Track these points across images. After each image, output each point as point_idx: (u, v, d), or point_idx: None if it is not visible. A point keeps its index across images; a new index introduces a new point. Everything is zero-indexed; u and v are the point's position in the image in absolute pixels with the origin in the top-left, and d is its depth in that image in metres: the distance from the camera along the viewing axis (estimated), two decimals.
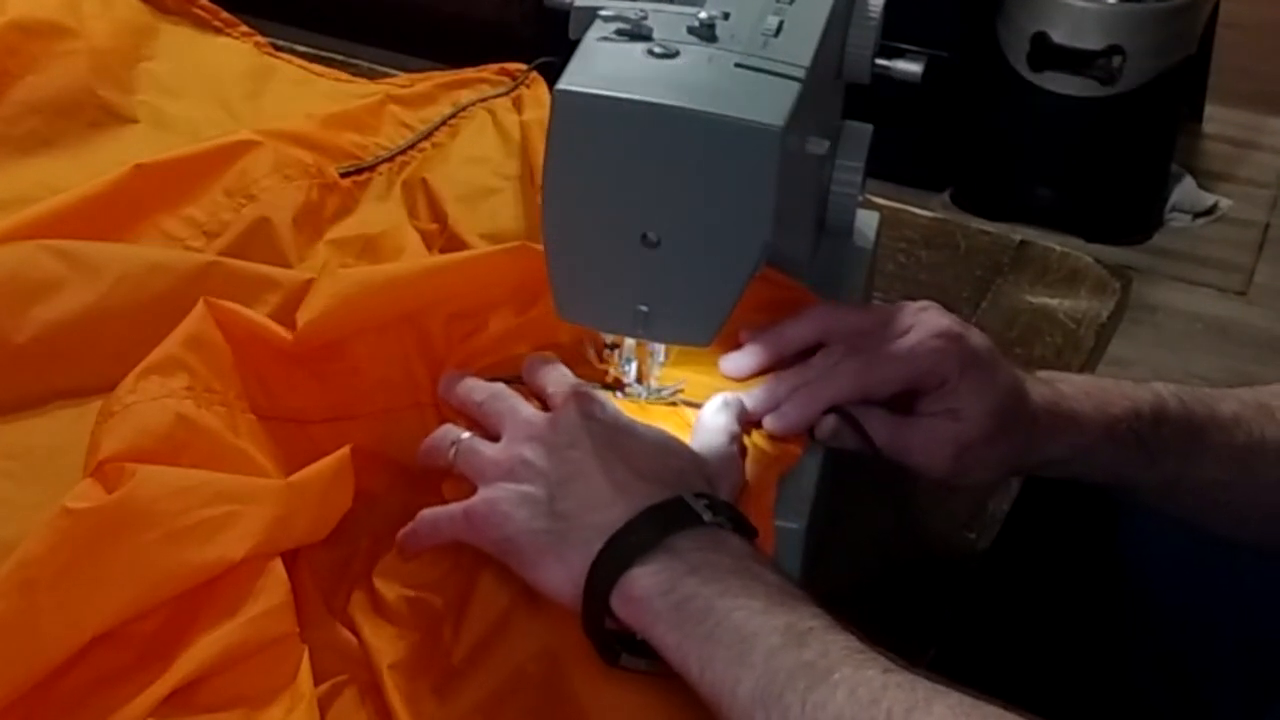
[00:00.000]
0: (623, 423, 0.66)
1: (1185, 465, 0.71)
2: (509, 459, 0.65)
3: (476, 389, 0.70)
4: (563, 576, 0.61)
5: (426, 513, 0.66)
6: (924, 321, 0.69)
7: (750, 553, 0.60)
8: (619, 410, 0.67)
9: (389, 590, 0.66)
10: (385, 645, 0.64)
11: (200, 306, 0.70)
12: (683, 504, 0.61)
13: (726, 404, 0.69)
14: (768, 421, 0.69)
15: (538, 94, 0.97)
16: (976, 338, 0.69)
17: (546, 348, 0.74)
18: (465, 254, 0.78)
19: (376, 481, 0.70)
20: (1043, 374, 0.71)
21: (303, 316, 0.71)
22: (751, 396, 0.70)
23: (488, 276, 0.74)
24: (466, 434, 0.68)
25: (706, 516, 0.60)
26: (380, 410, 0.72)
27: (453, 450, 0.67)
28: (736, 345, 0.73)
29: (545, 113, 0.93)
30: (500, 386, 0.69)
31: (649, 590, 0.58)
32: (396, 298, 0.73)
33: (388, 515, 0.70)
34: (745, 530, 0.62)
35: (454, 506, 0.65)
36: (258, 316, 0.72)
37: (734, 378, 0.72)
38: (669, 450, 0.65)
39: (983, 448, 0.68)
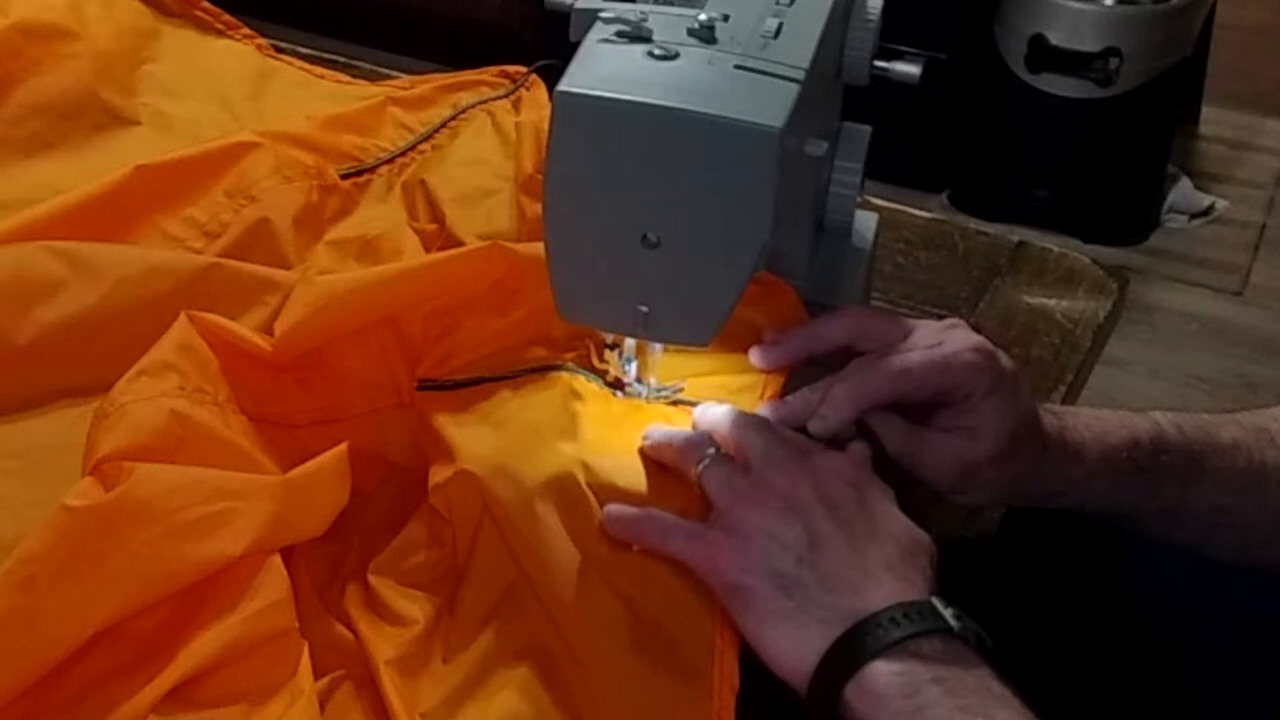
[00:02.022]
0: (879, 498, 0.64)
1: (1185, 492, 0.71)
2: (764, 499, 0.63)
3: (726, 416, 0.67)
4: (792, 648, 0.59)
5: (661, 516, 0.64)
6: (956, 336, 0.69)
7: (991, 672, 0.59)
8: (874, 477, 0.65)
9: (384, 587, 0.66)
10: (382, 641, 0.64)
11: (182, 318, 0.71)
12: (931, 608, 0.59)
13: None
14: (811, 427, 0.68)
15: (537, 96, 0.98)
16: (1005, 360, 0.69)
17: (539, 342, 0.74)
18: (437, 255, 0.78)
19: (367, 479, 0.71)
20: (1050, 406, 0.71)
21: (280, 327, 0.71)
22: (786, 406, 0.69)
23: (461, 276, 0.74)
24: (719, 450, 0.66)
25: (955, 626, 0.59)
26: (366, 412, 0.73)
27: (703, 464, 0.65)
28: (750, 343, 0.72)
29: (540, 115, 0.94)
30: (753, 417, 0.67)
31: (890, 688, 0.57)
32: (372, 302, 0.73)
33: (379, 512, 0.70)
34: (985, 645, 0.61)
35: (696, 526, 0.63)
36: (238, 328, 0.72)
37: (763, 369, 0.72)
38: (918, 545, 0.63)
39: (990, 469, 0.68)
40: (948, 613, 0.59)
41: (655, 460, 0.68)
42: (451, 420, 0.70)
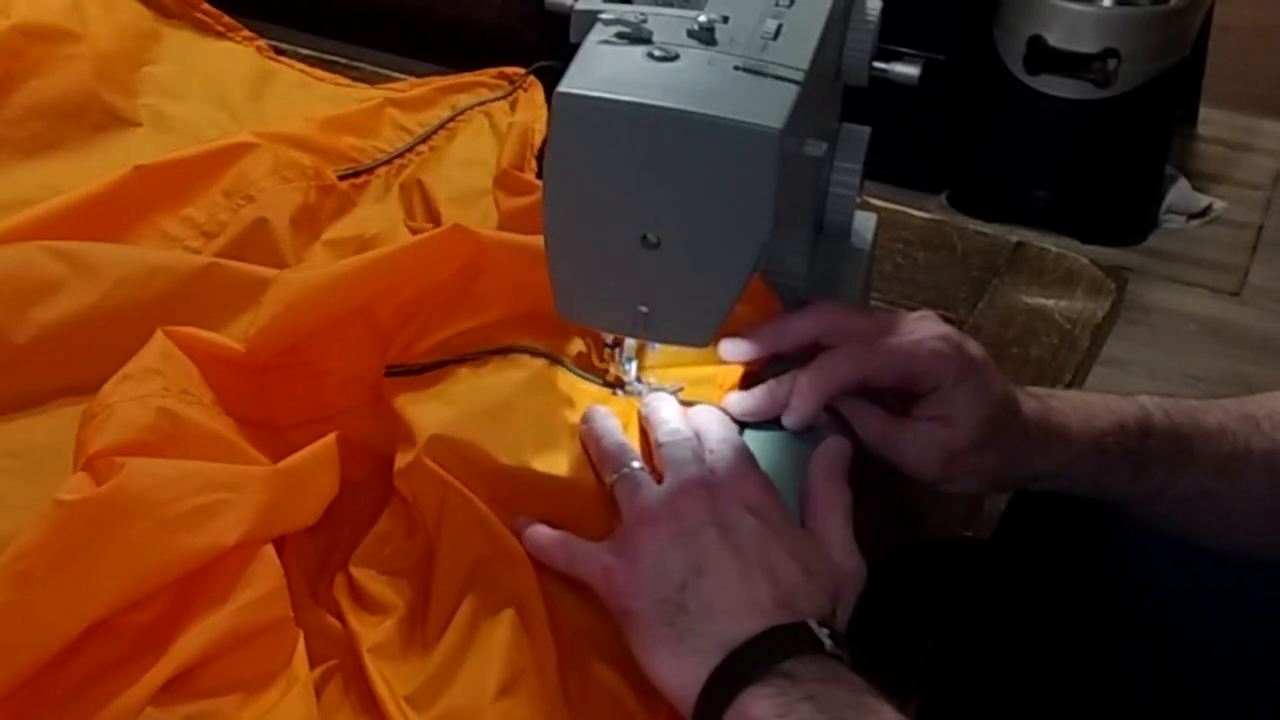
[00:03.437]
0: (779, 526, 0.64)
1: (1172, 476, 0.71)
2: (659, 521, 0.63)
3: (661, 427, 0.69)
4: (671, 673, 0.60)
5: (572, 542, 0.65)
6: (923, 325, 0.70)
7: (867, 688, 0.59)
8: (778, 502, 0.65)
9: (364, 577, 0.67)
10: (366, 630, 0.65)
11: (158, 334, 0.71)
12: (806, 629, 0.60)
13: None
14: (786, 421, 0.69)
15: (533, 97, 0.98)
16: (973, 347, 0.69)
17: (506, 324, 0.74)
18: (401, 243, 0.77)
19: (354, 472, 0.71)
20: (1032, 390, 0.72)
21: (254, 327, 0.71)
22: (754, 398, 0.70)
23: (427, 261, 0.74)
24: (639, 465, 0.67)
25: (828, 646, 0.59)
26: (350, 407, 0.73)
27: (616, 474, 0.66)
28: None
29: (534, 115, 0.95)
30: (684, 433, 0.68)
31: (765, 711, 0.57)
32: (342, 295, 0.73)
33: (367, 504, 0.71)
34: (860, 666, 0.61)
35: (599, 554, 0.64)
36: (215, 336, 0.72)
37: (732, 361, 0.72)
38: (825, 571, 0.63)
39: (972, 456, 0.68)
40: (822, 633, 0.59)
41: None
42: (411, 399, 0.71)
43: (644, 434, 0.70)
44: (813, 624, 0.60)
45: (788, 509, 0.66)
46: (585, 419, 0.70)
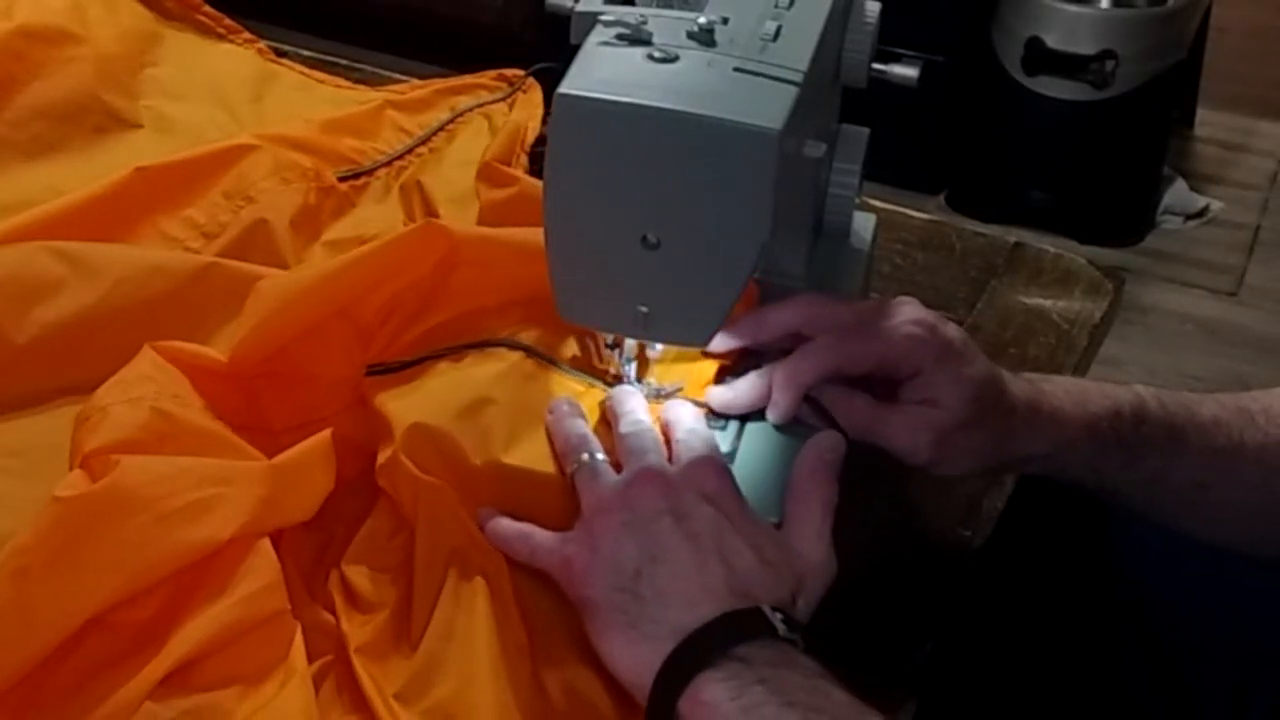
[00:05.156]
0: (736, 516, 0.64)
1: (1165, 465, 0.71)
2: (615, 509, 0.64)
3: (624, 419, 0.69)
4: (627, 660, 0.60)
5: (532, 533, 0.66)
6: (899, 311, 0.70)
7: (820, 672, 0.59)
8: (736, 491, 0.65)
9: (355, 575, 0.67)
10: (354, 629, 0.65)
11: (145, 349, 0.71)
12: (759, 614, 0.60)
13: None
14: (770, 416, 0.70)
15: (531, 98, 0.98)
16: (951, 330, 0.70)
17: (508, 310, 0.75)
18: (376, 243, 0.77)
19: (349, 470, 0.71)
20: (1025, 375, 0.72)
21: (235, 336, 0.71)
22: (733, 391, 0.70)
23: (403, 260, 0.75)
24: (600, 455, 0.67)
25: (781, 630, 0.59)
26: (341, 409, 0.73)
27: (576, 464, 0.67)
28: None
29: (530, 115, 0.95)
30: (645, 424, 0.68)
31: (718, 695, 0.57)
32: (320, 299, 0.73)
33: (361, 502, 0.71)
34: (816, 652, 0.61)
35: (559, 545, 0.65)
36: (201, 349, 0.72)
37: (710, 354, 0.72)
38: (767, 562, 0.63)
39: (961, 436, 0.68)
40: (776, 618, 0.60)
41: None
42: (390, 396, 0.71)
43: (608, 425, 0.70)
44: (766, 609, 0.60)
45: (767, 502, 0.66)
46: (550, 410, 0.70)
